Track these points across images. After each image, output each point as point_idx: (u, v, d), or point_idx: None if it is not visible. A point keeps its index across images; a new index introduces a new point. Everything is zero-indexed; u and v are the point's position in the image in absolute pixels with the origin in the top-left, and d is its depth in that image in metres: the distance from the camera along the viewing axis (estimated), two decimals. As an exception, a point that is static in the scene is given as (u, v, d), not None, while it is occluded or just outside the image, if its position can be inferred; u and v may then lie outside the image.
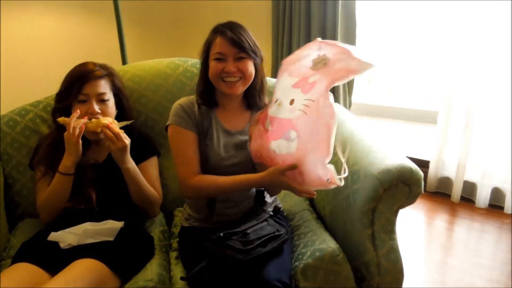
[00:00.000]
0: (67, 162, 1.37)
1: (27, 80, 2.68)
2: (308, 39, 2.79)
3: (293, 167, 1.15)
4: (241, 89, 1.36)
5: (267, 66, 3.13)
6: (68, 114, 1.42)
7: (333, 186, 1.12)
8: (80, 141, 1.36)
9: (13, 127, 1.62)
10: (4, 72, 2.58)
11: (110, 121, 1.40)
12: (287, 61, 1.24)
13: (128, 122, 1.47)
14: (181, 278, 1.29)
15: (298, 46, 2.80)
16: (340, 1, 2.61)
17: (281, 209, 1.56)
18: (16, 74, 2.63)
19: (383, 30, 2.91)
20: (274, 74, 3.03)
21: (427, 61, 2.87)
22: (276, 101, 1.23)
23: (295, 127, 1.16)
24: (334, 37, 2.69)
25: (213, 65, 1.32)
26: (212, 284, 1.19)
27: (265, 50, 3.14)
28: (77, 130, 1.34)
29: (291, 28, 2.86)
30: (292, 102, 1.18)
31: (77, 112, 1.38)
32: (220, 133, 1.40)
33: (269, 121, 1.23)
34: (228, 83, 1.33)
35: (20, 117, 1.64)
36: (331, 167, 1.11)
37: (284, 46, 2.91)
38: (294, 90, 1.19)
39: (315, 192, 1.18)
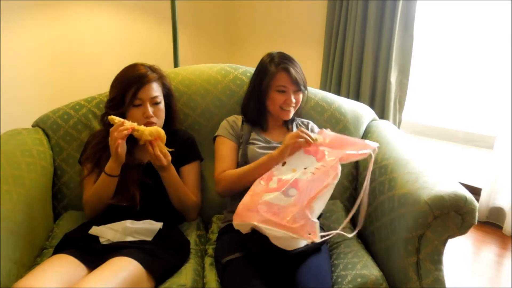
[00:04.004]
0: (112, 164, 1.40)
1: (83, 76, 2.76)
2: (363, 42, 2.72)
3: None
4: (291, 115, 1.58)
5: (316, 69, 3.08)
6: (122, 116, 1.45)
7: (309, 241, 1.16)
8: (123, 147, 1.37)
9: (66, 120, 1.67)
10: (61, 68, 2.67)
11: (155, 135, 1.37)
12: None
13: (171, 150, 1.41)
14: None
15: (352, 50, 2.76)
16: (400, 1, 2.52)
17: (322, 214, 1.53)
18: (72, 70, 2.72)
19: (441, 43, 2.76)
20: (324, 77, 2.98)
21: (488, 81, 2.70)
22: (285, 164, 1.34)
23: (298, 186, 1.22)
24: (390, 43, 2.61)
25: (275, 96, 1.53)
26: (243, 274, 1.22)
27: (317, 51, 3.16)
28: (118, 142, 1.34)
29: (345, 30, 2.80)
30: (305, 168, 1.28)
31: (121, 124, 1.36)
32: (260, 140, 1.58)
33: (274, 181, 1.29)
34: (285, 111, 1.55)
35: (74, 111, 1.69)
36: (317, 223, 1.14)
37: (337, 48, 2.85)
38: (307, 156, 1.33)
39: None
